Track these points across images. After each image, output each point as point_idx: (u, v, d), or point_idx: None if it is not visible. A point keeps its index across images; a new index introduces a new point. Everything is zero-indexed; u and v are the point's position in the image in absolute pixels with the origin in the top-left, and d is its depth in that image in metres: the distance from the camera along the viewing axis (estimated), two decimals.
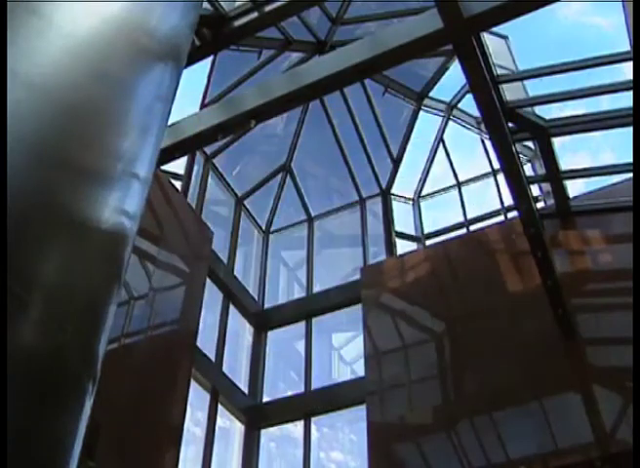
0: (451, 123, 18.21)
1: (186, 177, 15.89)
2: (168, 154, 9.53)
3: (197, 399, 14.14)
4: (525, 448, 11.51)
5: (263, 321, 17.33)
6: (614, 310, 11.36)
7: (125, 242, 1.75)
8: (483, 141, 17.36)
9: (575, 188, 13.97)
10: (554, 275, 11.16)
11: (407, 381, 13.44)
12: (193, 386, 13.52)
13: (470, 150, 18.88)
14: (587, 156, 17.71)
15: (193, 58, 9.88)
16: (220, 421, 14.80)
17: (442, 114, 18.28)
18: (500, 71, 10.17)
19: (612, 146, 11.71)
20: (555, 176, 12.21)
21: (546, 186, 13.47)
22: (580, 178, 13.10)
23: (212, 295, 15.47)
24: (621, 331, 10.63)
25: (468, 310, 13.51)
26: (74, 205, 1.63)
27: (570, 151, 17.31)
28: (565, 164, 12.38)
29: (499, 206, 16.80)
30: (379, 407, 13.50)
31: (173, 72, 2.63)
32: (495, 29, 13.17)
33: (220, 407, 14.76)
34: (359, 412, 13.97)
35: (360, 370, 14.92)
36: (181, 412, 12.41)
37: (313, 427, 15.35)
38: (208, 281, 14.94)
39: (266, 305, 17.78)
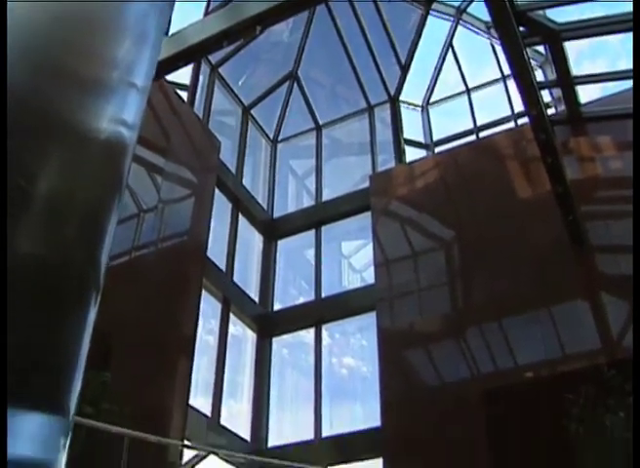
0: (460, 28, 17.81)
1: (192, 88, 15.69)
2: (172, 63, 9.35)
3: (209, 308, 14.30)
4: (533, 354, 11.65)
5: (273, 230, 17.38)
6: (624, 218, 11.30)
7: (124, 152, 1.72)
8: (493, 47, 17.03)
9: (588, 95, 13.78)
10: (565, 181, 11.08)
11: (416, 288, 13.53)
12: (205, 296, 13.66)
13: (480, 56, 18.53)
14: (605, 63, 17.36)
15: None
16: (232, 330, 15.00)
17: (451, 19, 17.87)
18: None
19: (628, 52, 11.42)
20: (566, 82, 12.01)
21: (558, 93, 13.27)
22: (591, 84, 12.89)
23: (221, 206, 15.48)
24: (631, 240, 10.60)
25: (478, 217, 13.50)
26: (70, 113, 1.61)
27: (588, 59, 17.01)
28: (582, 71, 12.17)
29: (509, 112, 16.59)
30: (388, 313, 13.64)
31: None
32: None
33: (231, 315, 14.94)
34: (370, 319, 14.12)
35: (370, 278, 15.02)
36: (194, 322, 12.57)
37: (325, 334, 15.55)
38: (217, 191, 14.93)
39: (276, 214, 17.81)
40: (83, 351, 1.56)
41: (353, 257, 17.84)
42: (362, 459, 12.83)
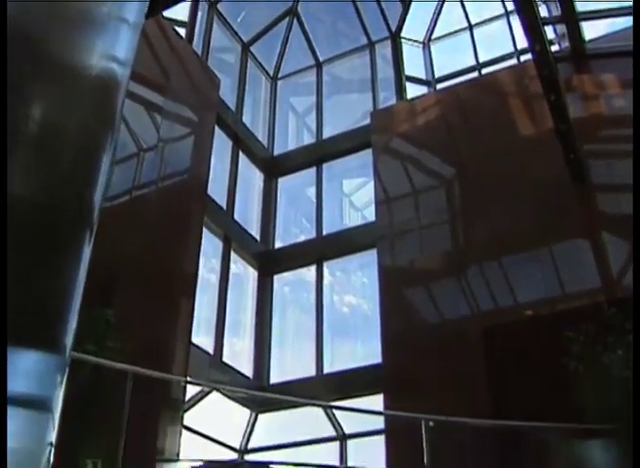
0: None
1: (190, 25, 15.46)
2: None
3: (210, 247, 14.33)
4: (533, 292, 11.70)
5: (273, 168, 17.34)
6: (626, 157, 11.22)
7: (116, 88, 1.70)
8: None
9: (595, 31, 13.58)
10: (567, 119, 10.99)
11: (417, 226, 13.54)
12: (206, 234, 13.69)
13: None
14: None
15: None
16: (233, 268, 15.06)
17: None
18: None
19: None
20: (571, 17, 11.83)
21: (562, 29, 13.09)
22: (595, 20, 12.70)
23: (221, 144, 15.41)
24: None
25: (479, 155, 13.44)
26: (60, 49, 1.58)
27: None
28: (587, 7, 11.96)
29: (511, 49, 16.38)
30: (389, 251, 13.67)
31: None
32: None
33: (232, 254, 14.98)
34: (371, 257, 14.16)
35: (371, 216, 15.02)
36: (195, 260, 12.61)
37: (326, 271, 15.62)
38: (217, 129, 14.84)
39: (276, 152, 17.74)
40: (78, 289, 1.56)
41: (354, 195, 17.82)
42: (363, 395, 12.98)
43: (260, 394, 14.06)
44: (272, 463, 12.24)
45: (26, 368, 1.42)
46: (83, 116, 1.61)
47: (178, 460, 10.32)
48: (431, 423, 8.36)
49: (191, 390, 12.13)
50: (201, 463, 10.39)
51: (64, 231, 1.53)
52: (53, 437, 1.47)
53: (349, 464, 13.30)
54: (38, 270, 1.47)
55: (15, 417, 1.38)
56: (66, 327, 1.53)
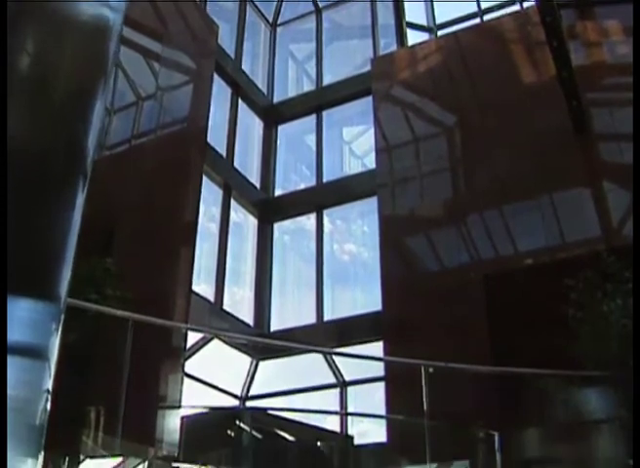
0: None
1: None
2: None
3: (210, 195, 14.33)
4: (533, 241, 11.71)
5: (273, 115, 17.24)
6: (629, 105, 11.12)
7: (108, 34, 1.67)
8: None
9: None
10: (570, 66, 10.88)
11: (418, 174, 13.50)
12: (206, 183, 13.66)
13: None
14: None
15: None
16: (233, 216, 15.07)
17: None
18: None
19: None
20: None
21: None
22: None
23: (220, 92, 15.30)
24: None
25: (480, 102, 13.34)
26: None
27: None
28: None
29: None
30: (390, 199, 13.65)
31: None
32: None
33: (233, 202, 14.98)
34: (371, 205, 14.14)
35: (371, 164, 14.97)
36: (195, 208, 12.60)
37: (326, 220, 15.63)
38: (216, 77, 14.70)
39: (276, 99, 17.62)
40: (72, 237, 1.55)
41: (354, 143, 17.74)
42: (363, 342, 13.07)
43: (261, 340, 14.19)
44: (273, 409, 12.39)
45: (21, 316, 1.42)
46: (72, 62, 1.59)
47: (179, 407, 10.43)
48: (431, 369, 8.44)
49: (192, 339, 12.22)
50: (202, 410, 10.51)
51: (56, 179, 1.52)
52: (49, 384, 1.48)
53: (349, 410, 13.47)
54: (30, 218, 1.46)
55: (10, 366, 1.38)
56: (61, 275, 1.52)
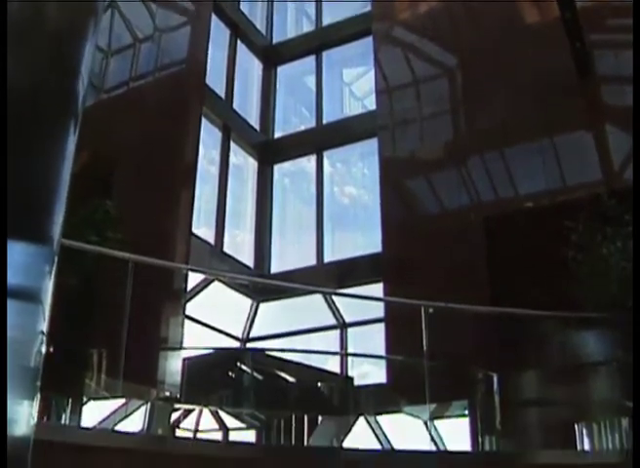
0: None
1: None
2: None
3: (210, 137, 14.25)
4: (534, 183, 11.67)
5: (272, 56, 17.04)
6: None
7: None
8: None
9: None
10: (574, 6, 10.70)
11: (418, 116, 13.39)
12: (205, 125, 13.57)
13: None
14: None
15: None
16: (233, 159, 15.01)
17: None
18: None
19: None
20: None
21: None
22: None
23: (219, 32, 15.10)
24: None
25: (482, 44, 13.15)
26: None
27: None
28: None
29: None
30: (390, 141, 13.57)
31: None
32: None
33: (232, 144, 14.90)
34: (371, 147, 14.07)
35: (371, 105, 14.84)
36: (194, 151, 12.55)
37: (326, 162, 15.57)
38: (214, 17, 14.50)
39: (275, 40, 17.39)
40: (64, 180, 1.54)
41: (354, 85, 17.57)
42: (363, 284, 13.12)
43: (262, 280, 14.24)
44: (273, 350, 12.49)
45: (15, 260, 1.42)
46: (63, 2, 1.56)
47: (180, 349, 10.52)
48: (431, 310, 8.47)
49: (193, 282, 12.27)
50: (204, 351, 10.61)
51: (47, 121, 1.50)
52: (44, 327, 1.48)
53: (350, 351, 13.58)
54: (21, 160, 1.45)
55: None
56: (53, 218, 1.51)
